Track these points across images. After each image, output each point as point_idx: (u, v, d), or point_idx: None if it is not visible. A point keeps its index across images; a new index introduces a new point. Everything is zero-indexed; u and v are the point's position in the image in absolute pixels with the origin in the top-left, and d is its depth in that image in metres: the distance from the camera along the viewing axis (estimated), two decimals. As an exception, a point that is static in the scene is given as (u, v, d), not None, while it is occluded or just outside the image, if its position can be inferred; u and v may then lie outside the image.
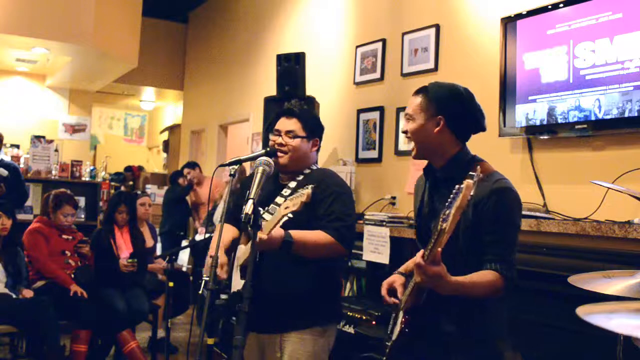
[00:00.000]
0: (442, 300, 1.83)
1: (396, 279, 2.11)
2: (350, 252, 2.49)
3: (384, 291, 2.09)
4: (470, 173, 1.58)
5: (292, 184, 2.45)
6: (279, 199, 2.42)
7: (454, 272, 1.76)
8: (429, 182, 2.08)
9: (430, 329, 1.94)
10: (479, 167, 1.65)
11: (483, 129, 2.04)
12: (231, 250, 2.48)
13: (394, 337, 2.03)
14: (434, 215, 1.98)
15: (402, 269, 2.19)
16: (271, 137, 2.51)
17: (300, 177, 2.47)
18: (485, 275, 1.84)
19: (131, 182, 9.57)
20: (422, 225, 2.08)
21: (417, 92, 2.03)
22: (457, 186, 1.56)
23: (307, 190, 2.07)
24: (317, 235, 2.31)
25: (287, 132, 2.46)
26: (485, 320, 1.96)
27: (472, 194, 1.55)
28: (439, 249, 1.67)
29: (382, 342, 2.23)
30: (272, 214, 2.38)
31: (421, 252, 1.73)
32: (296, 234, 2.24)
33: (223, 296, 2.51)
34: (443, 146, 1.99)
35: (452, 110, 1.96)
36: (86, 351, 4.35)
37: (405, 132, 2.03)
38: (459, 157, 1.99)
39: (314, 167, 2.54)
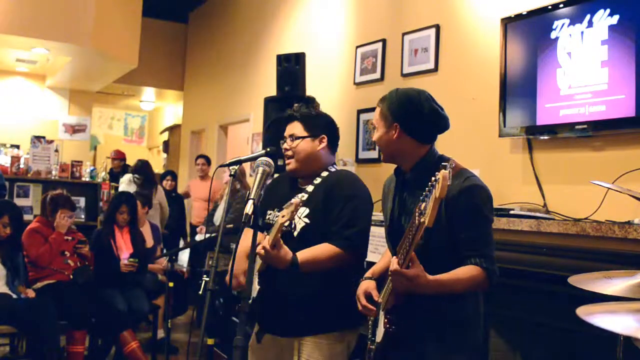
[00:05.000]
0: (421, 297, 1.86)
1: (369, 285, 2.15)
2: (362, 257, 2.42)
3: (364, 302, 2.11)
4: (443, 164, 1.61)
5: (310, 188, 2.42)
6: None
7: (429, 272, 1.80)
8: (399, 183, 2.13)
9: (409, 326, 1.97)
10: (451, 159, 1.67)
11: (444, 129, 2.08)
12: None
13: (377, 339, 2.06)
14: (406, 215, 2.04)
15: (369, 273, 2.23)
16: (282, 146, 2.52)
17: (318, 180, 2.43)
18: (466, 271, 1.88)
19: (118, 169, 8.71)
20: (395, 226, 2.11)
21: (379, 102, 2.11)
22: (433, 178, 1.58)
23: (296, 200, 2.10)
24: (324, 250, 2.28)
25: (290, 136, 2.45)
26: (460, 310, 2.01)
27: (449, 183, 1.57)
28: (413, 253, 1.72)
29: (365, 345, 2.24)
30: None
31: (394, 258, 1.78)
32: (302, 255, 2.23)
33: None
34: (406, 151, 2.06)
35: (404, 116, 2.03)
36: (83, 352, 4.35)
37: (375, 141, 2.12)
38: (426, 159, 2.05)
39: (332, 169, 2.48)
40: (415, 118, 2.03)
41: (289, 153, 2.44)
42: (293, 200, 2.11)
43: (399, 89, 2.12)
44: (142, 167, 6.41)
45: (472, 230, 1.91)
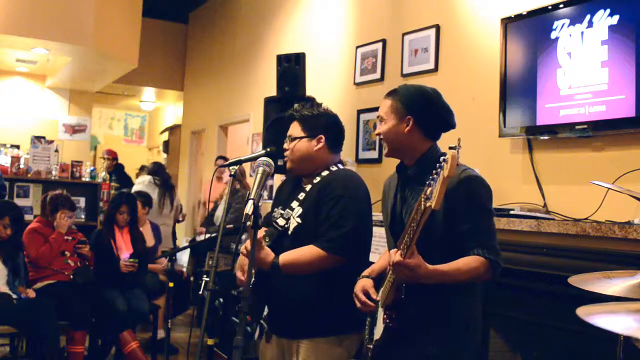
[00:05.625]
0: (420, 291, 1.87)
1: (366, 284, 2.15)
2: (353, 258, 2.34)
3: (363, 298, 2.10)
4: (451, 146, 1.61)
5: (308, 187, 2.42)
6: (294, 203, 2.40)
7: (431, 264, 1.81)
8: (401, 180, 2.13)
9: (409, 320, 1.98)
10: (459, 138, 1.67)
11: (452, 127, 2.11)
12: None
13: (377, 336, 2.07)
14: (407, 211, 2.05)
15: (367, 272, 2.23)
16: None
17: (317, 180, 2.42)
18: (468, 261, 1.89)
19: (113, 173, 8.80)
20: (396, 222, 2.11)
21: (387, 95, 2.12)
22: (441, 158, 1.58)
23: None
24: (307, 253, 2.28)
25: (289, 137, 2.47)
26: (460, 307, 2.02)
27: (457, 163, 1.58)
28: (414, 244, 1.73)
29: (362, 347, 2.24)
30: (285, 218, 2.39)
31: (395, 251, 1.79)
32: (284, 257, 2.25)
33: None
34: (413, 145, 2.07)
35: (420, 110, 2.05)
36: (83, 352, 4.34)
37: (378, 134, 2.12)
38: (428, 154, 2.07)
39: (334, 168, 2.45)
40: (429, 113, 2.06)
41: (287, 153, 2.45)
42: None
43: (409, 84, 2.13)
44: (160, 170, 6.72)
45: (473, 221, 1.91)
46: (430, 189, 1.60)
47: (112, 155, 8.25)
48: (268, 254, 2.23)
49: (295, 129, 2.46)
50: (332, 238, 2.28)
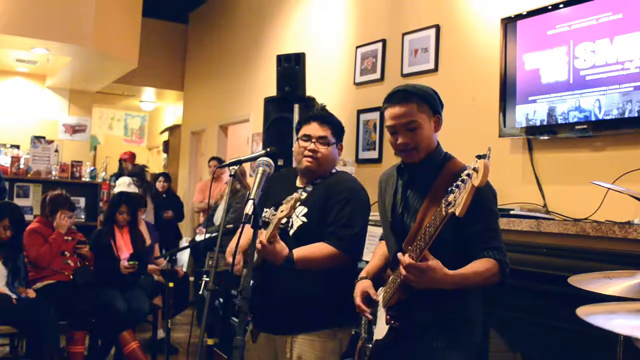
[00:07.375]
0: (423, 291, 1.85)
1: (366, 285, 2.16)
2: (356, 259, 2.47)
3: (358, 301, 2.11)
4: (479, 154, 1.59)
5: (309, 188, 2.46)
6: None
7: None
8: (405, 179, 2.12)
9: (412, 320, 1.98)
10: (489, 147, 1.67)
11: None
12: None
13: (378, 336, 2.06)
14: (409, 212, 2.04)
15: (363, 273, 2.24)
16: (300, 142, 2.50)
17: (318, 181, 2.48)
18: (483, 264, 1.89)
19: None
20: (397, 222, 2.11)
21: (405, 100, 2.00)
22: (470, 165, 1.58)
23: (296, 195, 2.15)
24: (320, 249, 2.32)
25: (320, 138, 2.47)
26: (463, 306, 2.02)
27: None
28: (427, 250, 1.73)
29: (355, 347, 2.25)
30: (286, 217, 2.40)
31: (405, 254, 1.79)
32: (298, 252, 2.27)
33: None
34: (432, 144, 2.07)
35: (440, 107, 2.07)
36: (83, 352, 4.35)
37: (405, 144, 2.01)
38: (435, 153, 2.07)
39: (334, 171, 2.54)
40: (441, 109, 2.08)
41: (318, 155, 2.45)
42: (293, 195, 2.14)
43: (411, 84, 2.09)
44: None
45: (482, 223, 1.92)
46: (453, 195, 1.60)
47: (134, 160, 8.40)
48: (283, 247, 2.23)
49: (327, 132, 2.49)
50: (343, 237, 2.33)
